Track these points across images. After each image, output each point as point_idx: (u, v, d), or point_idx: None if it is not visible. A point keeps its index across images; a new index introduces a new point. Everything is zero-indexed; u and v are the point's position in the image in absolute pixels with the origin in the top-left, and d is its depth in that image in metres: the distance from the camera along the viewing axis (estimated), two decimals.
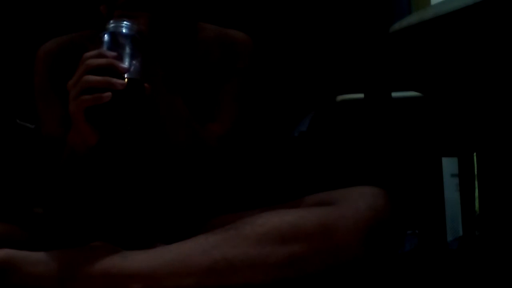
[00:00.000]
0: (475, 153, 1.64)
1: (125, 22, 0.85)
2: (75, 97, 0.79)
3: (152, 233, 0.98)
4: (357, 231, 0.79)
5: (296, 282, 0.78)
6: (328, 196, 0.88)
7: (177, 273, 0.78)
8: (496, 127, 1.14)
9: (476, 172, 1.66)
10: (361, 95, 1.51)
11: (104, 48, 0.82)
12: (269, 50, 1.69)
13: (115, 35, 0.84)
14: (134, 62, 0.82)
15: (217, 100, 1.06)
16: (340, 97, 1.66)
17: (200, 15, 1.12)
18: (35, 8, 1.72)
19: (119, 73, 0.79)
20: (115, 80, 0.78)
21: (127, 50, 0.83)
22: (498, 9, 0.80)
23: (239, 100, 1.08)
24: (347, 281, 0.80)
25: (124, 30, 0.84)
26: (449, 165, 1.99)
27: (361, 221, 0.79)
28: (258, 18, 1.74)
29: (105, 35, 0.84)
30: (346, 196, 0.84)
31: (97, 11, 0.97)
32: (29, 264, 0.82)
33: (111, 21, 0.85)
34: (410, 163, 1.73)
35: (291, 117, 1.77)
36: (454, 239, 2.00)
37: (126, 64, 0.81)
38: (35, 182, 1.07)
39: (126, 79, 0.79)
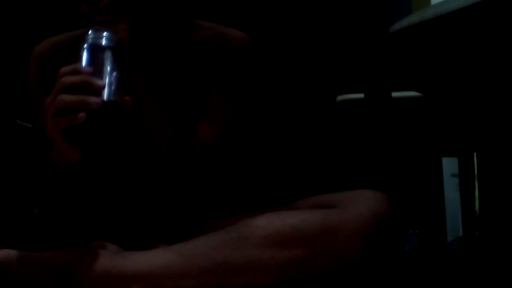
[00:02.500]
0: (475, 153, 1.64)
1: (104, 33, 0.83)
2: (51, 117, 0.77)
3: (152, 233, 0.97)
4: (359, 236, 0.79)
5: (297, 285, 0.78)
6: (329, 198, 0.88)
7: (178, 274, 0.78)
8: (496, 127, 1.14)
9: (476, 172, 1.66)
10: (361, 95, 1.51)
11: (83, 61, 0.80)
12: (268, 50, 1.69)
13: (94, 47, 0.82)
14: (113, 74, 0.80)
15: (211, 102, 1.05)
16: (340, 97, 1.65)
17: (196, 13, 1.12)
18: (34, 7, 1.71)
19: (95, 91, 0.77)
20: (89, 99, 0.76)
21: (106, 62, 0.81)
22: (498, 9, 0.80)
23: (233, 102, 1.06)
24: (348, 284, 0.80)
25: (103, 42, 0.82)
26: (449, 165, 1.99)
27: (363, 226, 0.79)
28: (257, 17, 1.74)
29: (84, 47, 0.82)
30: (348, 200, 0.84)
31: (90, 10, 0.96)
32: (29, 264, 0.81)
33: (90, 32, 0.83)
34: (410, 163, 1.73)
35: (291, 117, 1.77)
36: (454, 239, 2.00)
37: (104, 78, 0.79)
38: (33, 183, 1.06)
39: (102, 100, 0.77)
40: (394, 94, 1.41)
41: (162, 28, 1.03)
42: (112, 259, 0.80)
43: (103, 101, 0.77)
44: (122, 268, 0.79)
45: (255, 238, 0.79)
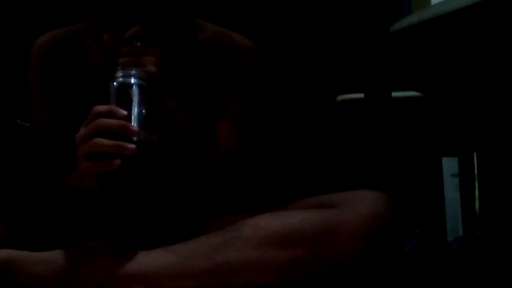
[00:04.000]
0: (475, 153, 1.64)
1: (133, 71, 0.83)
2: (84, 157, 0.78)
3: (153, 233, 0.97)
4: (359, 237, 0.78)
5: (297, 285, 0.78)
6: (329, 198, 0.88)
7: (179, 275, 0.78)
8: (496, 127, 1.14)
9: (476, 172, 1.66)
10: (361, 95, 1.51)
11: (113, 100, 0.81)
12: (267, 50, 1.69)
13: (124, 86, 0.82)
14: (143, 113, 0.81)
15: (225, 110, 1.05)
16: (340, 97, 1.66)
17: (200, 16, 1.12)
18: (32, 3, 1.71)
19: (130, 136, 0.78)
20: (126, 145, 0.77)
21: (136, 101, 0.81)
22: (498, 9, 0.80)
23: (248, 112, 1.07)
24: (348, 284, 0.80)
25: (132, 81, 0.83)
26: (449, 165, 2.00)
27: (363, 226, 0.79)
28: (256, 17, 1.74)
29: (114, 85, 0.82)
30: (349, 200, 0.84)
31: (94, 5, 0.96)
32: (30, 265, 0.81)
33: (119, 70, 0.84)
34: (410, 163, 1.73)
35: (291, 117, 1.77)
36: (454, 239, 2.00)
37: (135, 118, 0.79)
38: (32, 182, 1.06)
39: (136, 142, 0.78)
40: (394, 94, 1.41)
41: (170, 30, 1.02)
42: (112, 259, 0.80)
43: (138, 145, 0.77)
44: (122, 268, 0.79)
45: (255, 238, 0.79)
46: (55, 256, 0.83)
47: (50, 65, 1.03)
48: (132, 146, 0.77)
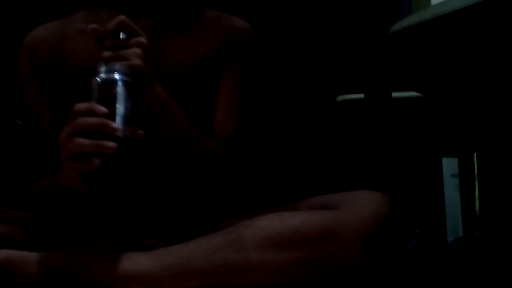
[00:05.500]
0: (475, 153, 1.65)
1: (116, 66, 0.82)
2: (66, 157, 0.78)
3: (153, 234, 0.97)
4: (359, 238, 0.78)
5: (297, 286, 0.78)
6: (330, 199, 0.88)
7: (178, 276, 0.78)
8: (496, 127, 1.14)
9: (476, 172, 1.66)
10: (361, 95, 1.51)
11: (96, 97, 0.79)
12: (268, 49, 1.69)
13: (107, 82, 0.81)
14: (127, 108, 0.80)
15: (221, 95, 1.04)
16: (340, 97, 1.66)
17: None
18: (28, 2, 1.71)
19: (111, 134, 0.77)
20: (105, 143, 0.75)
21: (120, 97, 0.80)
22: (498, 9, 0.80)
23: (244, 97, 1.06)
24: (349, 286, 0.80)
25: (115, 76, 0.81)
26: (449, 165, 1.99)
27: (363, 228, 0.79)
28: (256, 17, 1.74)
29: (97, 81, 0.81)
30: (349, 201, 0.84)
31: None
32: (29, 265, 0.81)
33: (103, 66, 0.82)
34: (410, 163, 1.73)
35: (291, 117, 1.77)
36: (454, 239, 2.00)
37: (118, 115, 0.78)
38: (25, 179, 1.06)
39: (117, 138, 0.76)
40: (394, 94, 1.41)
41: (170, 11, 1.01)
42: (112, 260, 0.80)
43: (119, 142, 0.76)
44: (122, 268, 0.79)
45: (255, 240, 0.79)
46: (55, 256, 0.83)
47: (42, 60, 1.02)
48: (112, 144, 0.76)
